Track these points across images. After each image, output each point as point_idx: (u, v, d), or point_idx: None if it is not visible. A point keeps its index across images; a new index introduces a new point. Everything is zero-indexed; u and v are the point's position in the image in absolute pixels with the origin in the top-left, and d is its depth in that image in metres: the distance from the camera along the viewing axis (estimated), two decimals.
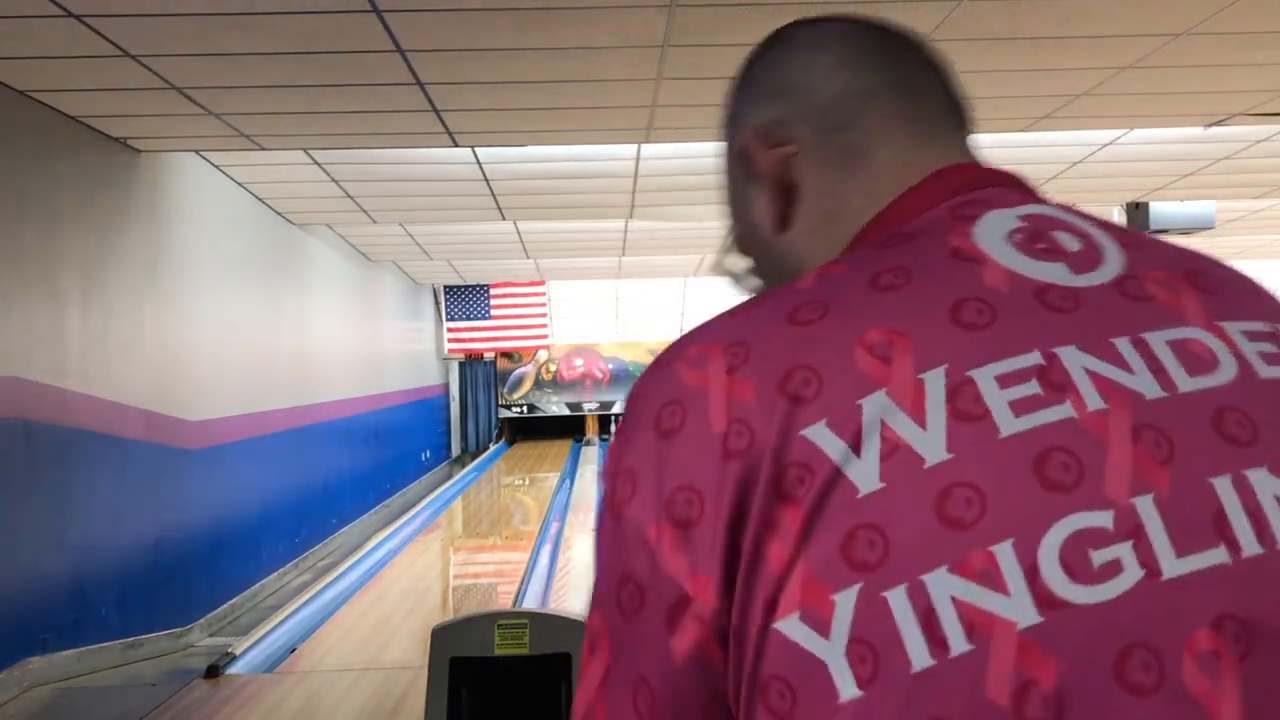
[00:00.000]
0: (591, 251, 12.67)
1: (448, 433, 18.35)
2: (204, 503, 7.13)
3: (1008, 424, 0.65)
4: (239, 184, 7.90)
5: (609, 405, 19.33)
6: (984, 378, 0.66)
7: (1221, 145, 7.49)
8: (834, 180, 0.81)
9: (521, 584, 7.83)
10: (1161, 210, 9.29)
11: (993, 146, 7.34)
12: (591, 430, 19.19)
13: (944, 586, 0.61)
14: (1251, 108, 6.15)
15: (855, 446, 0.65)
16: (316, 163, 7.27)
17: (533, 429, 19.55)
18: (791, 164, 0.82)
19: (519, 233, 10.86)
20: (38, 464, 5.20)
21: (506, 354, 18.80)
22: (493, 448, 18.32)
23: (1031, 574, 0.61)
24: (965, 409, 0.65)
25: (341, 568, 8.31)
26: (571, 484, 13.39)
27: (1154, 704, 0.59)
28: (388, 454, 13.14)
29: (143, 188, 6.45)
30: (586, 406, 19.27)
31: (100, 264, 5.89)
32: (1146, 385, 0.67)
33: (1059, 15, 4.49)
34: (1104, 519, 0.62)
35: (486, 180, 7.89)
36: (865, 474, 0.64)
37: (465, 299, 17.06)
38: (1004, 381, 0.66)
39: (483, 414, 18.95)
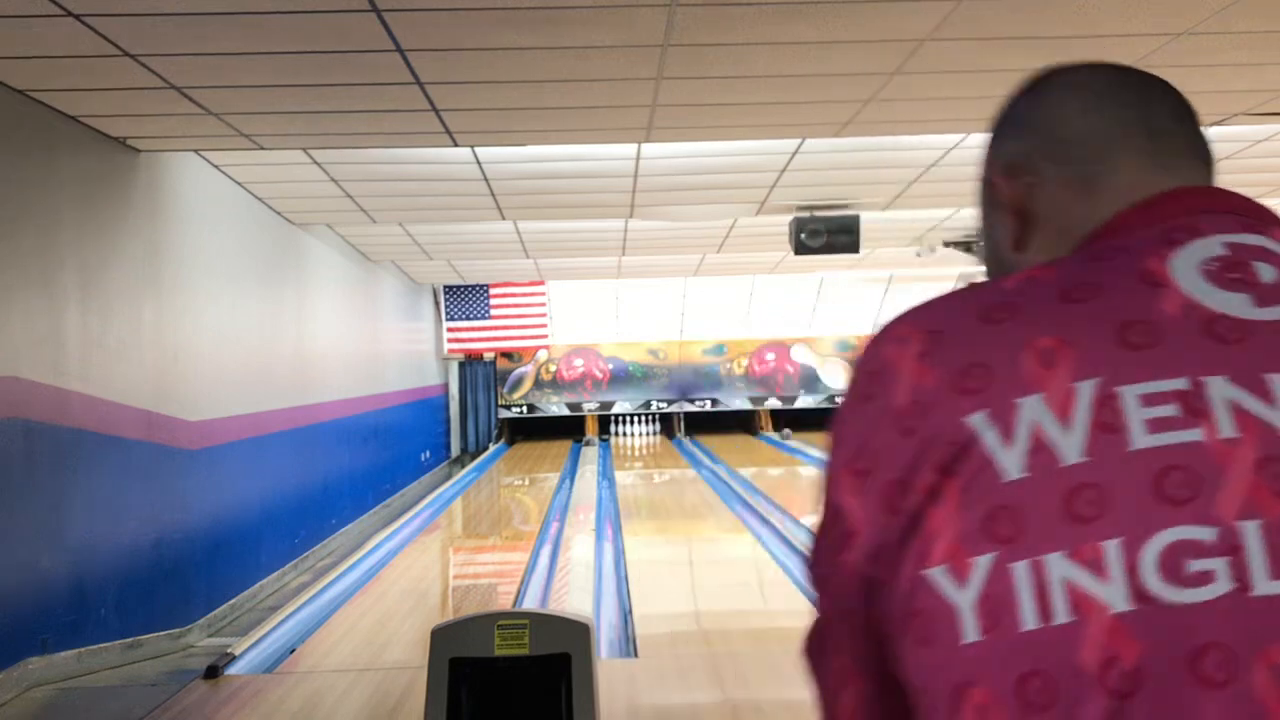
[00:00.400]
0: (591, 251, 12.66)
1: (447, 433, 18.34)
2: (203, 503, 7.13)
3: (1141, 439, 0.75)
4: (238, 184, 7.90)
5: (609, 405, 19.33)
6: (1129, 395, 0.77)
7: (1221, 145, 7.49)
8: (1068, 205, 0.92)
9: (521, 584, 7.83)
10: None
11: None
12: (591, 430, 19.19)
13: (1058, 568, 0.74)
14: (1251, 108, 6.14)
15: (1007, 438, 0.77)
16: (316, 162, 7.27)
17: (533, 429, 19.54)
18: (1032, 194, 0.93)
19: (519, 233, 10.86)
20: (37, 464, 5.19)
21: (506, 354, 18.80)
22: (492, 448, 18.32)
23: (1131, 570, 0.72)
24: (1106, 420, 0.76)
25: (341, 568, 8.30)
26: (571, 484, 13.38)
27: (1221, 698, 0.69)
28: (387, 454, 13.14)
29: (142, 187, 6.45)
30: (586, 406, 19.27)
31: (100, 264, 5.89)
32: None
33: (1059, 15, 4.49)
34: (1207, 534, 0.72)
35: (486, 180, 7.89)
36: (1012, 463, 0.77)
37: (465, 299, 17.06)
38: (1147, 400, 0.76)
39: (482, 414, 18.95)
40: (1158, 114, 0.94)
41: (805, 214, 9.32)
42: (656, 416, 19.62)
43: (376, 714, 4.68)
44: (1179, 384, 0.76)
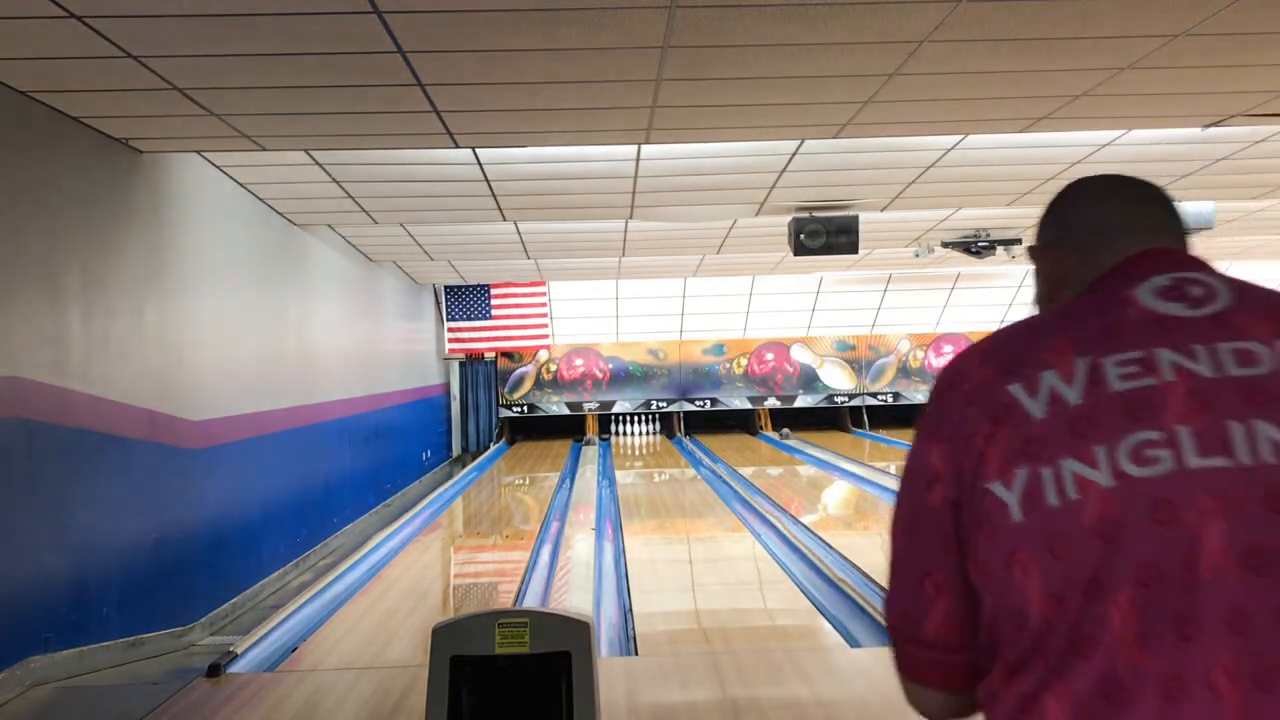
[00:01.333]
0: (591, 251, 12.67)
1: (448, 432, 18.35)
2: (205, 502, 7.14)
3: (1116, 385, 1.26)
4: (240, 184, 7.91)
5: (609, 405, 19.34)
6: (1108, 362, 1.28)
7: (1221, 145, 7.50)
8: (1080, 270, 1.44)
9: (522, 583, 7.84)
10: None
11: (993, 146, 7.36)
12: (592, 430, 19.20)
13: (1069, 467, 1.23)
14: (1251, 108, 6.15)
15: (1034, 396, 1.28)
16: (318, 163, 7.28)
17: (533, 429, 19.55)
18: (1058, 265, 1.48)
19: (519, 233, 10.87)
20: (39, 464, 5.21)
21: (507, 354, 18.81)
22: (493, 447, 18.32)
23: (1112, 461, 1.22)
24: (1095, 378, 1.28)
25: (342, 567, 8.31)
26: (571, 484, 13.39)
27: (1169, 533, 1.18)
28: (388, 454, 13.15)
29: (144, 188, 6.46)
30: (587, 406, 19.28)
31: (101, 264, 5.90)
32: (1206, 369, 1.26)
33: (1059, 16, 4.50)
34: (1157, 435, 1.22)
35: (487, 180, 7.90)
36: (1037, 410, 1.27)
37: (466, 299, 17.07)
38: (1118, 364, 1.28)
39: (483, 414, 18.96)
40: (1138, 206, 1.46)
41: (805, 214, 9.33)
42: (656, 416, 19.63)
43: (378, 712, 4.70)
44: (1138, 354, 1.28)
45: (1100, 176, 1.50)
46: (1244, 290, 1.33)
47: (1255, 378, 1.24)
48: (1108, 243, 1.42)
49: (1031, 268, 1.55)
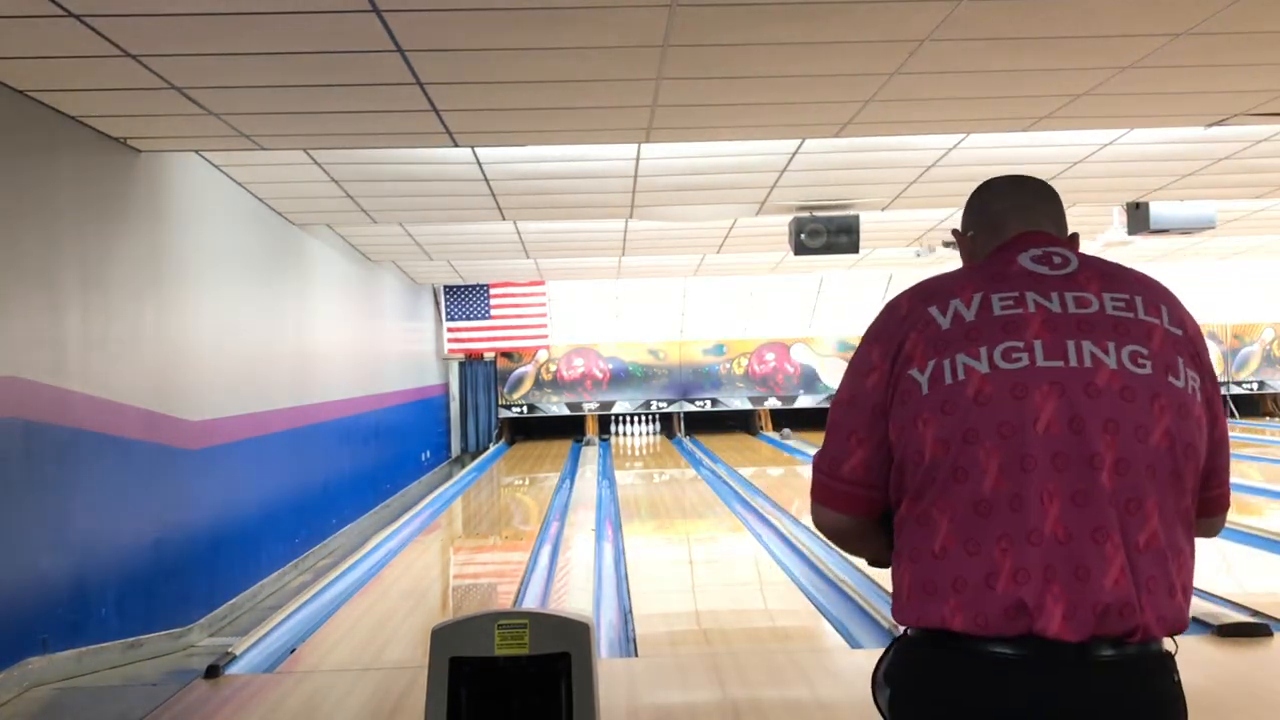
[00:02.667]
0: (591, 251, 12.67)
1: (448, 433, 18.34)
2: (204, 502, 7.13)
3: (998, 311, 1.85)
4: (239, 184, 7.91)
5: (609, 405, 19.34)
6: (995, 297, 1.87)
7: (1221, 145, 7.49)
8: (986, 243, 2.04)
9: (521, 584, 7.83)
10: (1161, 210, 9.26)
11: (993, 146, 7.33)
12: (591, 430, 19.20)
13: (961, 359, 1.81)
14: (1251, 108, 6.15)
15: (943, 313, 1.86)
16: (316, 163, 7.27)
17: (533, 429, 19.55)
18: (974, 242, 2.08)
19: (519, 233, 10.86)
20: (37, 464, 5.20)
21: (506, 354, 18.80)
22: (493, 448, 18.32)
23: (990, 358, 1.80)
24: (984, 305, 1.86)
25: (341, 568, 8.30)
26: (571, 484, 13.38)
27: (1020, 403, 1.77)
28: (388, 454, 13.14)
29: (143, 187, 6.45)
30: (586, 406, 19.27)
31: (100, 263, 5.89)
32: (1056, 307, 1.85)
33: (1059, 15, 4.49)
34: (1020, 344, 1.81)
35: (486, 180, 7.89)
36: (945, 322, 1.85)
37: (465, 299, 17.06)
38: (1001, 299, 1.87)
39: (483, 414, 18.95)
40: (1026, 200, 2.06)
41: (805, 214, 9.33)
42: (656, 416, 19.62)
43: (377, 713, 4.69)
44: (1014, 294, 1.87)
45: (1002, 178, 2.11)
46: (1087, 260, 1.94)
47: (1087, 315, 1.85)
48: (1002, 226, 2.03)
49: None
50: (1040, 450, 1.75)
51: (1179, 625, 1.80)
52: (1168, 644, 1.82)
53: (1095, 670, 1.74)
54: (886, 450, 1.86)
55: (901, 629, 1.91)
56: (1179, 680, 1.83)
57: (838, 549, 2.30)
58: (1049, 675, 1.73)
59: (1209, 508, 1.94)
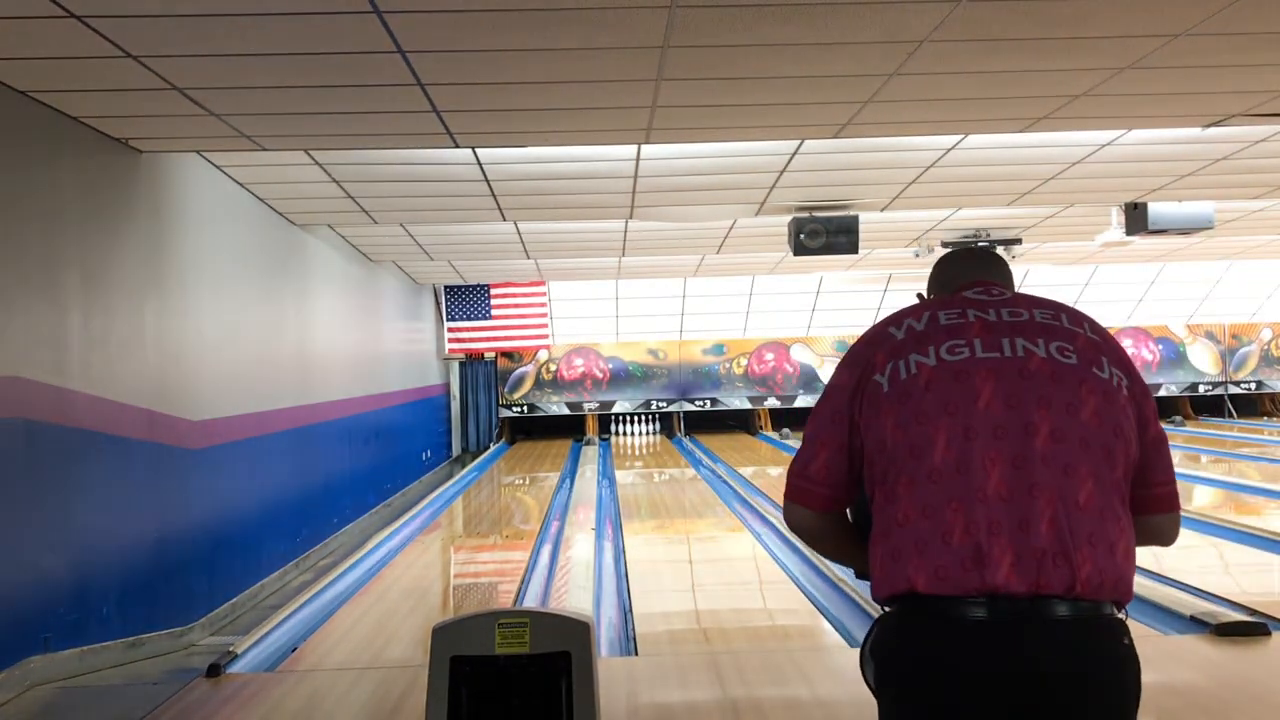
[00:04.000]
0: (591, 251, 12.68)
1: (448, 432, 18.35)
2: (205, 502, 7.14)
3: (943, 322, 2.25)
4: (240, 184, 7.92)
5: (609, 405, 19.34)
6: (941, 314, 2.28)
7: (1221, 145, 7.50)
8: (940, 293, 2.43)
9: (522, 583, 7.84)
10: (1160, 210, 9.27)
11: (993, 146, 7.34)
12: (592, 430, 19.20)
13: (914, 358, 2.20)
14: (1251, 108, 6.15)
15: (900, 331, 2.26)
16: (317, 163, 7.28)
17: (533, 429, 19.55)
18: (933, 295, 2.46)
19: (519, 233, 10.87)
20: (39, 464, 5.21)
21: (507, 354, 18.81)
22: (493, 447, 18.32)
23: (937, 353, 2.19)
24: (933, 319, 2.27)
25: (342, 567, 8.31)
26: (571, 484, 13.39)
27: (964, 386, 2.14)
28: (388, 454, 13.15)
29: (144, 188, 6.46)
30: (587, 406, 19.28)
31: (101, 264, 5.90)
32: (993, 317, 2.24)
33: (1058, 16, 4.50)
34: (963, 343, 2.20)
35: (487, 180, 7.90)
36: (900, 334, 2.26)
37: (466, 299, 17.07)
38: (946, 315, 2.27)
39: (483, 414, 18.96)
40: (974, 264, 2.44)
41: (805, 214, 9.34)
42: (656, 416, 19.63)
43: (378, 712, 4.70)
44: (958, 310, 2.26)
45: (960, 251, 2.53)
46: (1020, 294, 2.32)
47: (1019, 321, 2.21)
48: (953, 282, 2.41)
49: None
50: (982, 423, 2.08)
51: (1121, 587, 2.04)
52: (1120, 615, 2.07)
53: (1051, 627, 1.98)
54: (847, 454, 2.20)
55: (882, 610, 2.20)
56: (1131, 643, 2.07)
57: (813, 552, 2.74)
58: (1010, 631, 1.99)
59: (1155, 504, 2.18)
